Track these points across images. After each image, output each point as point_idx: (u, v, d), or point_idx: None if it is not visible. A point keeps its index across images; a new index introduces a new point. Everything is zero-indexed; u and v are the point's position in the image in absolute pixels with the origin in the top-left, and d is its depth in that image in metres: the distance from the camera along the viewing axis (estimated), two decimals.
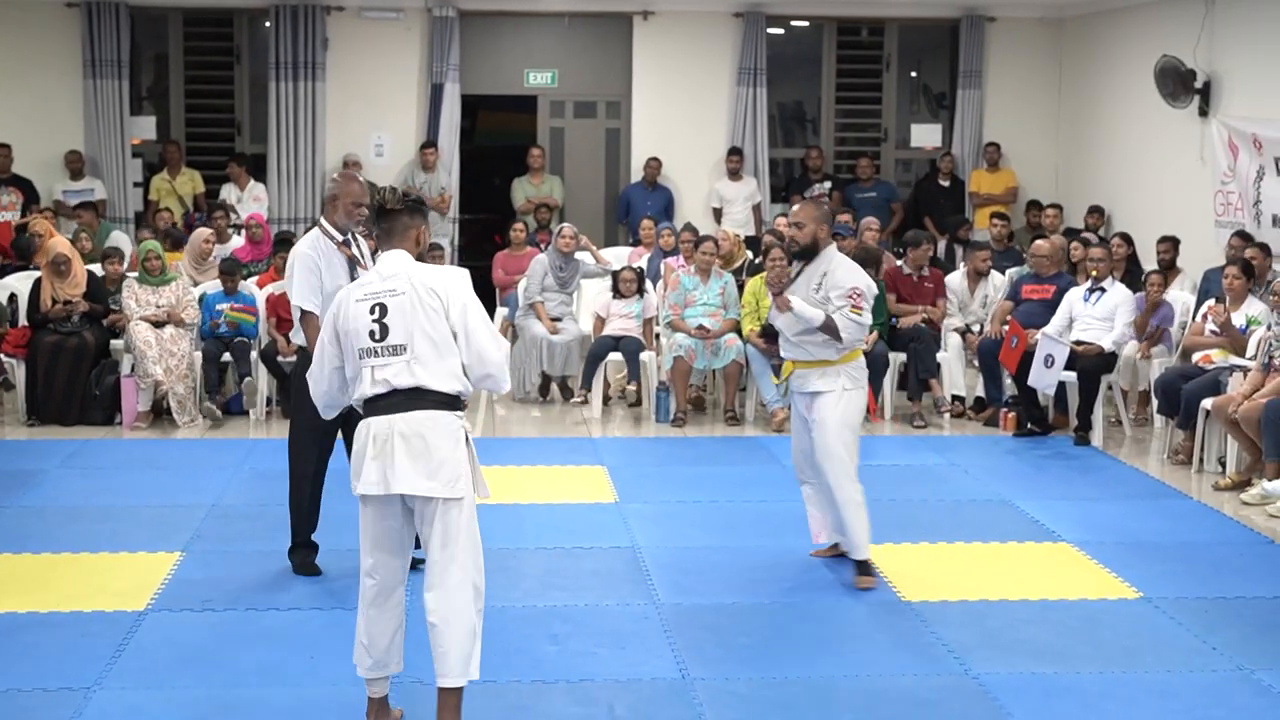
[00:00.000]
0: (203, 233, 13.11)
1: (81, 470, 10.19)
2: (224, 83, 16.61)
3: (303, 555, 7.81)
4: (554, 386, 12.81)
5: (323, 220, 7.67)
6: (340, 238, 7.59)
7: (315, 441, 7.63)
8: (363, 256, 7.64)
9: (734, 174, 16.25)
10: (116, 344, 11.94)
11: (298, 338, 7.78)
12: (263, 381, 11.82)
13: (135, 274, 12.06)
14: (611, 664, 6.53)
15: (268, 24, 16.16)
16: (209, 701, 6.10)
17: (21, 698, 6.08)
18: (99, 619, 7.05)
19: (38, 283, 11.90)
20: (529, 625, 6.63)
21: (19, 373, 11.71)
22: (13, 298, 12.30)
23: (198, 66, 16.57)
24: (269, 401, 11.97)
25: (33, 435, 11.26)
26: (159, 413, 11.64)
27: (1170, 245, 12.80)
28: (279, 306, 11.79)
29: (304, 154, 16.00)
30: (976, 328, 12.49)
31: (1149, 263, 12.87)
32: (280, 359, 11.67)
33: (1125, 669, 6.57)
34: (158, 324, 11.60)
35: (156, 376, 11.42)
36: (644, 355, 12.28)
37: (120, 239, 14.50)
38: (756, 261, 12.68)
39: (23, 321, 12.02)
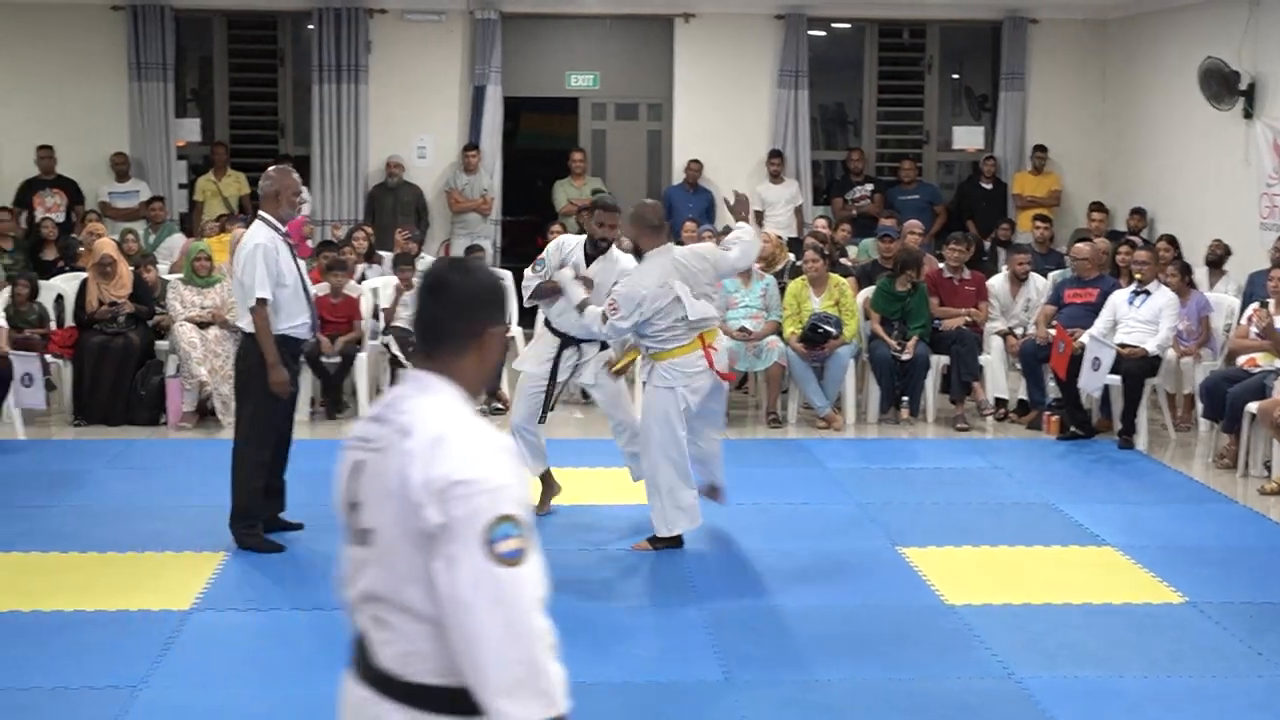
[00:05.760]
0: (236, 233, 13.10)
1: (127, 470, 10.27)
2: (268, 85, 16.69)
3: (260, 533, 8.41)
4: None
5: (263, 212, 8.33)
6: (283, 228, 8.28)
7: (273, 430, 8.36)
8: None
9: (775, 176, 16.22)
10: (161, 345, 12.02)
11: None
12: (306, 382, 11.87)
13: (180, 275, 12.14)
14: (655, 667, 6.54)
15: (311, 26, 16.22)
16: (254, 701, 6.14)
17: (69, 695, 6.14)
18: (145, 618, 7.10)
19: (84, 284, 11.99)
20: (571, 628, 6.64)
21: (65, 373, 11.81)
22: (59, 299, 12.39)
23: (242, 69, 16.66)
24: (312, 402, 12.01)
25: (79, 435, 11.34)
26: (203, 413, 11.71)
27: (1220, 244, 12.78)
28: (322, 308, 11.85)
29: (347, 156, 16.05)
30: (1019, 330, 12.45)
31: (1193, 264, 12.78)
32: (324, 359, 11.72)
33: (1170, 674, 6.55)
34: (202, 325, 11.68)
35: (201, 377, 11.49)
36: None
37: (180, 240, 14.64)
38: (798, 264, 12.67)
39: (69, 322, 12.11)
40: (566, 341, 8.74)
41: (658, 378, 8.17)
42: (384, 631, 3.09)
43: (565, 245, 8.78)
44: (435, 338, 3.17)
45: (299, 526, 8.51)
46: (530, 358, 8.91)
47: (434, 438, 3.01)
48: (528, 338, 13.54)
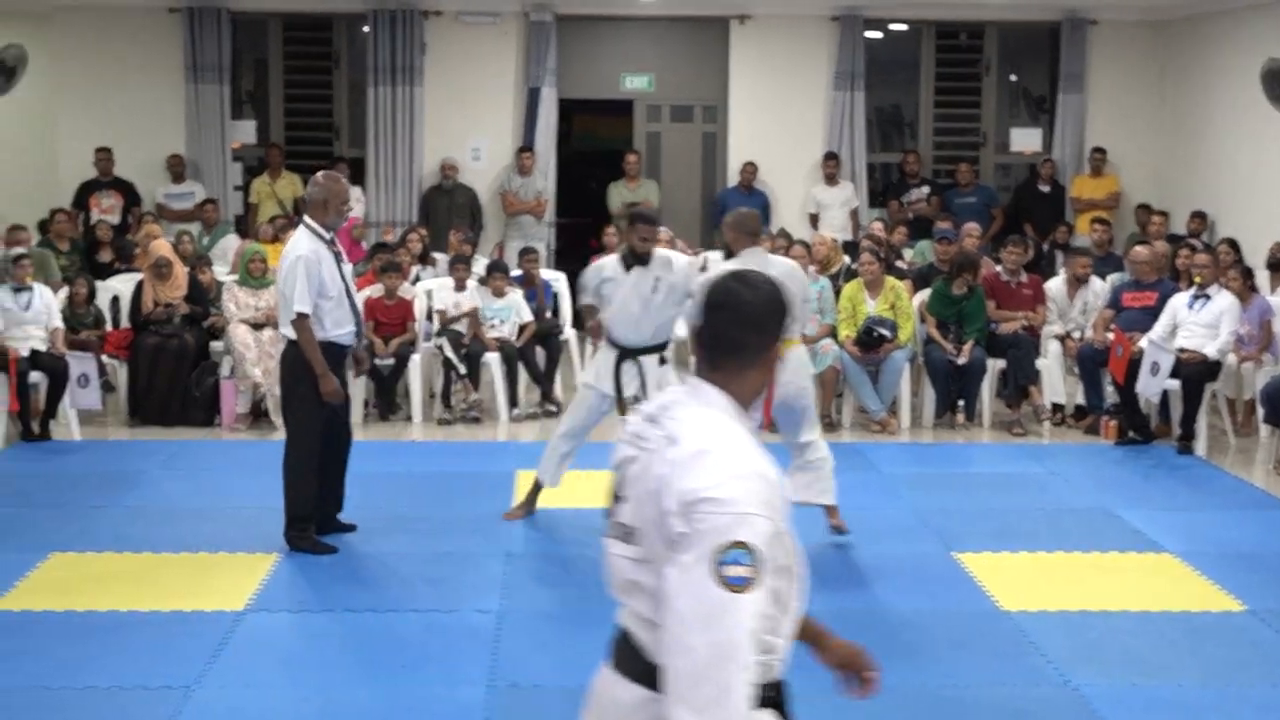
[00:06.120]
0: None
1: (181, 471, 10.31)
2: (323, 87, 16.73)
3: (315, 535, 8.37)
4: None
5: (308, 220, 8.13)
6: (328, 236, 8.11)
7: (317, 434, 8.27)
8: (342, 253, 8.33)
9: (830, 179, 16.15)
10: (216, 346, 12.08)
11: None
12: (360, 384, 11.88)
13: (235, 276, 12.20)
14: None
15: (366, 29, 16.27)
16: (306, 702, 6.14)
17: (123, 695, 6.16)
18: (198, 619, 7.12)
19: (139, 285, 12.06)
20: None
21: (121, 374, 11.89)
22: (115, 300, 12.47)
23: (297, 71, 16.71)
24: (365, 404, 12.03)
25: (134, 436, 11.40)
26: (257, 414, 11.75)
27: None
28: (376, 310, 11.87)
29: (402, 158, 16.08)
30: (1077, 334, 12.33)
31: (1255, 267, 12.64)
32: (378, 361, 11.74)
33: (1229, 682, 6.46)
34: (257, 326, 11.72)
35: (255, 378, 11.52)
36: None
37: (234, 242, 14.72)
38: (853, 267, 12.60)
39: (125, 324, 12.19)
40: (624, 354, 8.73)
41: None
42: (654, 630, 3.06)
43: (604, 269, 8.84)
44: (724, 351, 3.17)
45: (352, 528, 8.51)
46: (594, 372, 8.95)
47: (697, 451, 3.03)
48: (581, 340, 13.59)
